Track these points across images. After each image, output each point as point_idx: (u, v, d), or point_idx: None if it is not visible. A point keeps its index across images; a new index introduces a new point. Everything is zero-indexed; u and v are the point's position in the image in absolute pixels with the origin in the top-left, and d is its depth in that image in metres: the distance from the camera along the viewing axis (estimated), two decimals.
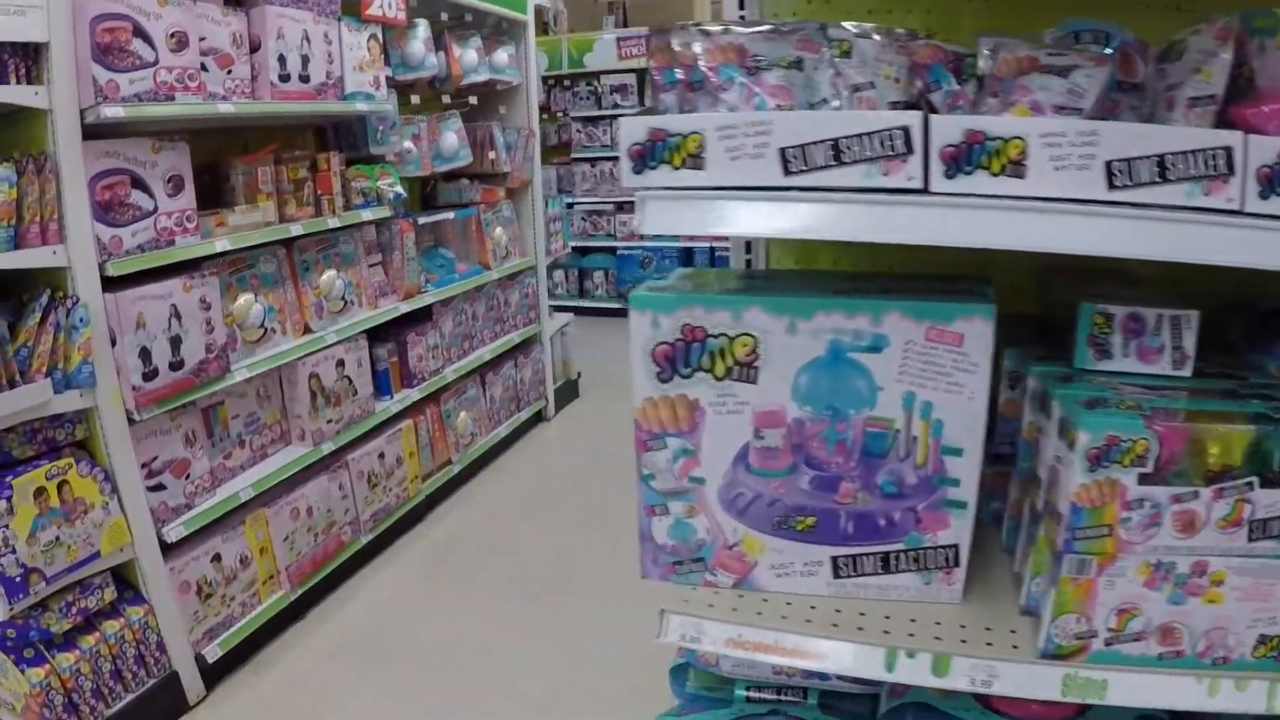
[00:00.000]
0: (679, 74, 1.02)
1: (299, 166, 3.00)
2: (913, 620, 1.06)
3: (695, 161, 0.93)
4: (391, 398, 3.53)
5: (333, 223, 3.11)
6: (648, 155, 0.95)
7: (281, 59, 2.79)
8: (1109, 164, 0.84)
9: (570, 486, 4.16)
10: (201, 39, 2.50)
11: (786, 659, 1.03)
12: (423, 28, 3.54)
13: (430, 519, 3.81)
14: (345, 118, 3.31)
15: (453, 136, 3.89)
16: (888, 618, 1.07)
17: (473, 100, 4.19)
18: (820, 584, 1.11)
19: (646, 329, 1.04)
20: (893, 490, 1.06)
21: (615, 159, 6.87)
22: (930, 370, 1.00)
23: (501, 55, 4.16)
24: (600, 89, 7.35)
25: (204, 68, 2.51)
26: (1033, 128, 0.86)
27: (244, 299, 2.80)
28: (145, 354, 2.36)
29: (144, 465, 2.41)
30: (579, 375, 5.47)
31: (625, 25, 7.40)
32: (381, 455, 3.41)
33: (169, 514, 2.49)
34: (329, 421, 3.11)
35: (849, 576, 1.10)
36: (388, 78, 3.35)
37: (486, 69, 4.02)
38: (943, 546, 1.07)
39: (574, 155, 7.60)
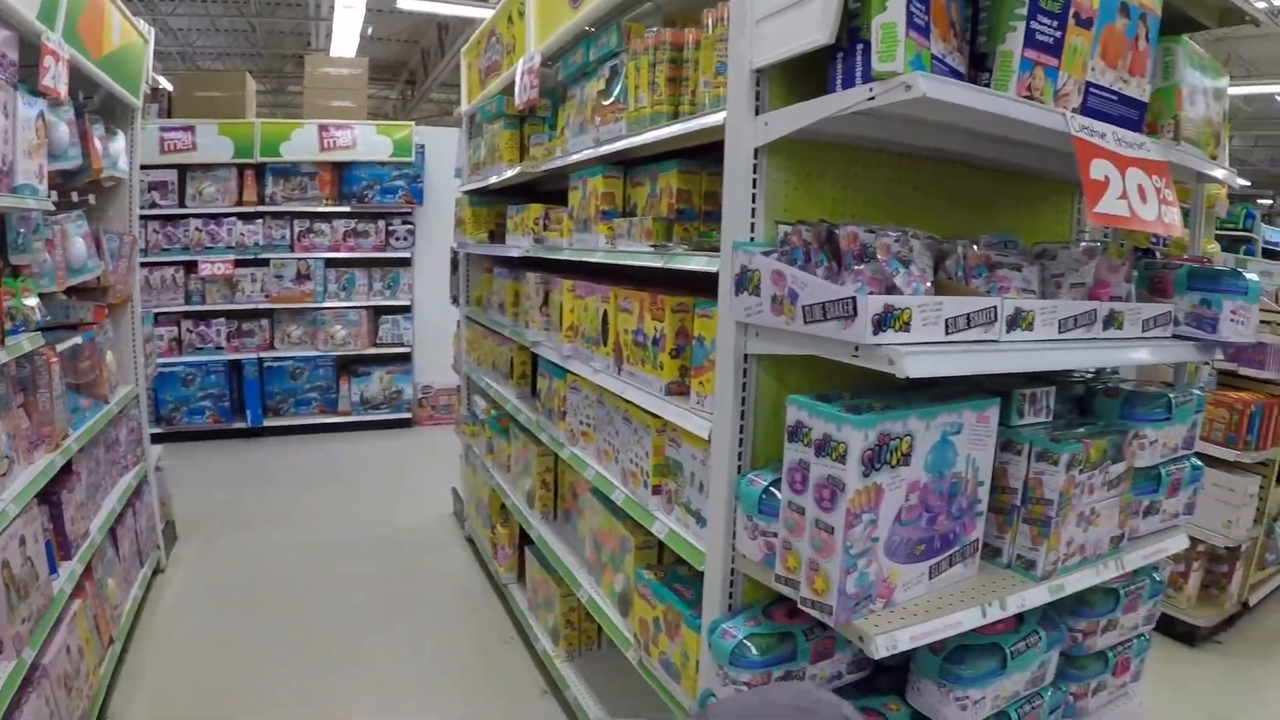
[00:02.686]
0: (826, 252, 1.59)
1: None
2: (972, 589, 1.76)
3: (905, 327, 1.46)
4: (59, 575, 2.70)
5: (1, 356, 2.37)
6: (883, 322, 1.42)
7: None
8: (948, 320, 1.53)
9: (238, 646, 3.55)
10: None
11: (947, 632, 1.62)
12: (68, 109, 2.90)
13: (112, 717, 2.96)
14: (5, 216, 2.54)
15: (81, 243, 3.16)
16: (960, 593, 1.74)
17: (91, 199, 3.44)
18: (922, 589, 1.70)
19: (861, 441, 1.48)
20: (957, 514, 1.73)
21: (154, 264, 5.85)
22: (976, 439, 1.72)
23: (116, 146, 3.53)
24: None
25: None
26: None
27: None
28: None
29: None
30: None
31: (170, 116, 6.37)
32: (69, 649, 2.60)
33: None
34: (24, 621, 2.31)
35: (935, 577, 1.72)
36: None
37: (111, 162, 3.39)
38: (972, 541, 1.80)
39: None
